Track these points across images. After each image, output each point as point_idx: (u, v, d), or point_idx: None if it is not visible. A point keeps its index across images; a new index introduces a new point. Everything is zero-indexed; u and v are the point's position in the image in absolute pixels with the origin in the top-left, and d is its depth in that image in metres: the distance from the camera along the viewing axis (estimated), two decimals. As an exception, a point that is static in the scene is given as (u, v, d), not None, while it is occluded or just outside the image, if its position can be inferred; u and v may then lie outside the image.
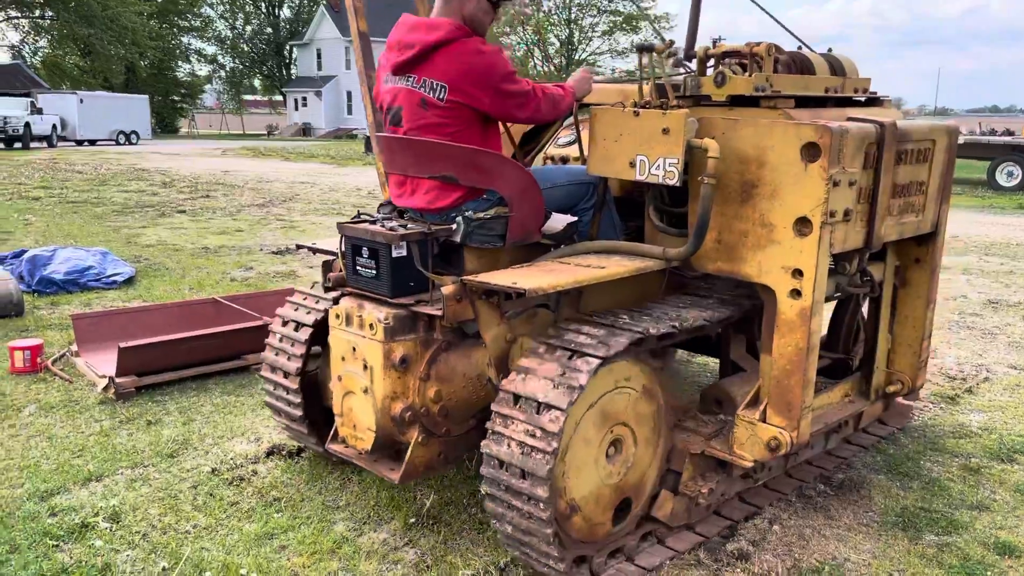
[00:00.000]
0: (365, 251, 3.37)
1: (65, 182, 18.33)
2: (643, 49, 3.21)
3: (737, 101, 3.39)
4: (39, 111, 33.39)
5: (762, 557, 3.35)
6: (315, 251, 3.89)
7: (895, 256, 3.88)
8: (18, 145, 31.14)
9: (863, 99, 3.81)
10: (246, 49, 63.52)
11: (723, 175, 3.27)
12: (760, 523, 3.61)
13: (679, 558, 3.32)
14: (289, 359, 3.88)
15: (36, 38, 47.53)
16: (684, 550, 3.35)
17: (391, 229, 3.27)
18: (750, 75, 3.30)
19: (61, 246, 8.65)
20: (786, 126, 3.10)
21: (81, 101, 36.56)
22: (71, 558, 3.28)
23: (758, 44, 3.31)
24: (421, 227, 3.29)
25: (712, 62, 3.52)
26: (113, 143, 36.76)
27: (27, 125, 31.83)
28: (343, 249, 3.49)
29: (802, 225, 3.09)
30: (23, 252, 8.30)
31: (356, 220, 3.51)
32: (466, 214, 3.35)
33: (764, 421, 3.31)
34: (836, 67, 3.72)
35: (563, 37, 35.92)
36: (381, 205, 3.72)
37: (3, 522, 3.52)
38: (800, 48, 3.74)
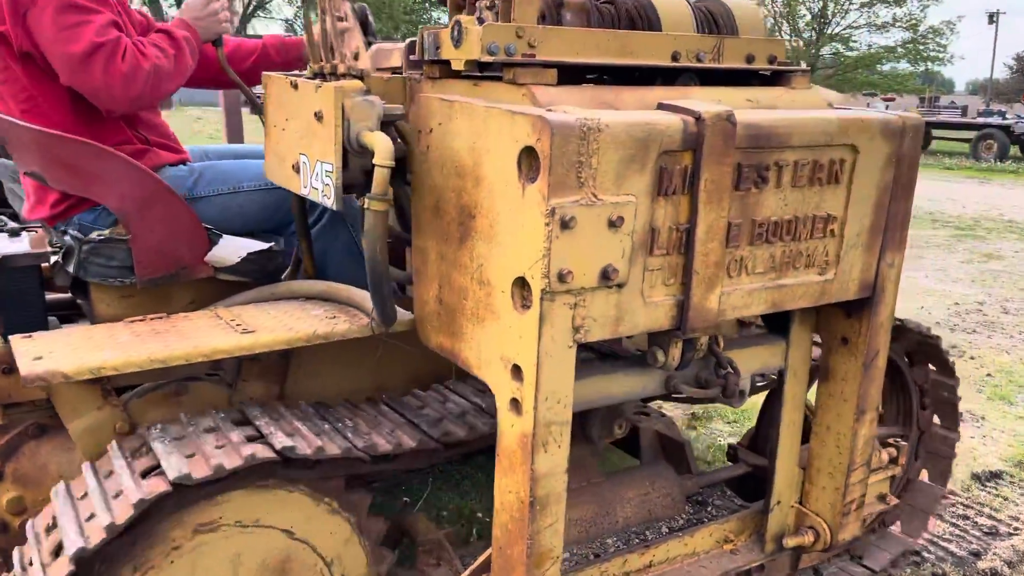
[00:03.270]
0: (-54, 280, 2.30)
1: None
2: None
3: (488, 70, 2.05)
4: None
5: (1017, 583, 3.00)
6: None
7: (807, 332, 2.38)
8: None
9: (768, 72, 2.33)
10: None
11: (440, 193, 1.97)
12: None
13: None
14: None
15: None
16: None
17: (-47, 252, 2.18)
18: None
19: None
20: (501, 117, 1.75)
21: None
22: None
23: (510, -25, 1.94)
24: (-4, 251, 2.17)
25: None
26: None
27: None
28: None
29: (523, 290, 1.75)
30: None
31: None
32: (71, 232, 2.21)
33: (488, 607, 1.99)
34: (719, 20, 2.27)
35: (815, 9, 32.48)
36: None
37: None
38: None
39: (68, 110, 2.29)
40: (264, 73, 2.17)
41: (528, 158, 1.69)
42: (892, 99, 28.43)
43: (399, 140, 2.04)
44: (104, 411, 2.13)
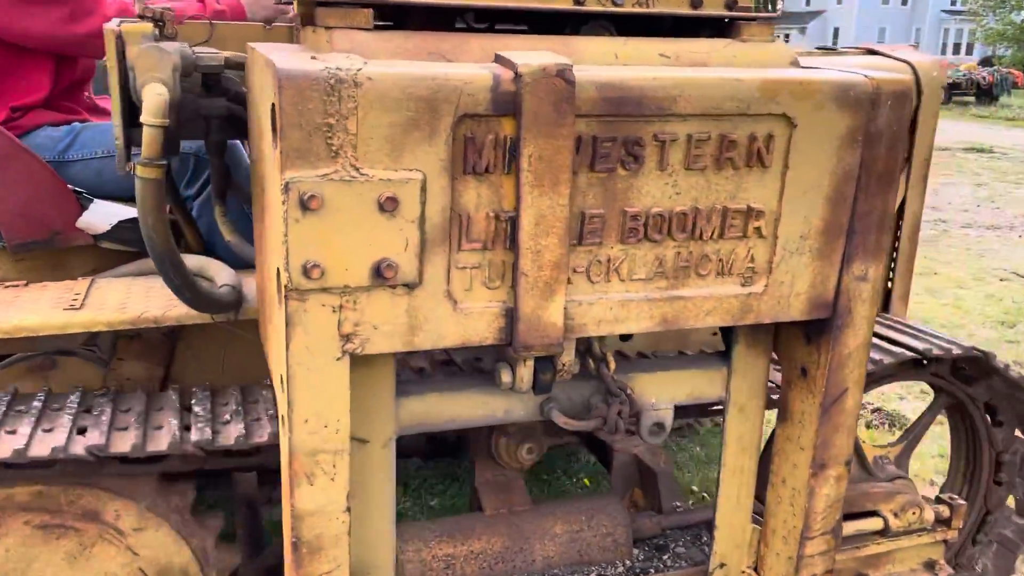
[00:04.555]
0: None
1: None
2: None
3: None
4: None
5: None
6: None
7: (760, 356, 1.87)
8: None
9: (727, 19, 1.81)
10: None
11: (256, 159, 1.67)
12: None
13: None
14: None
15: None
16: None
17: None
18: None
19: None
20: (263, 67, 1.42)
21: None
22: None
23: None
24: None
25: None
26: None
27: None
28: None
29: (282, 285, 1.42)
30: None
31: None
32: (-56, 192, 2.10)
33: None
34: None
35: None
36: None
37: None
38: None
39: None
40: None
41: (272, 118, 1.34)
42: None
43: (230, 96, 1.75)
44: (-49, 381, 2.01)
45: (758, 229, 1.60)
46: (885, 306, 2.88)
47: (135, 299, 1.94)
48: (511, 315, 1.48)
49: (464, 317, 1.46)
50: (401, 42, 1.53)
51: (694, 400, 1.86)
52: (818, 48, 3.04)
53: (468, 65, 1.39)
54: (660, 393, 1.81)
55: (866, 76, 1.57)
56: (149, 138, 1.52)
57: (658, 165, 1.50)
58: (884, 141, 1.61)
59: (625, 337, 2.59)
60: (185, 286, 1.67)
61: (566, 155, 1.41)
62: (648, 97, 1.44)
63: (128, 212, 2.13)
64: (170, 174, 2.09)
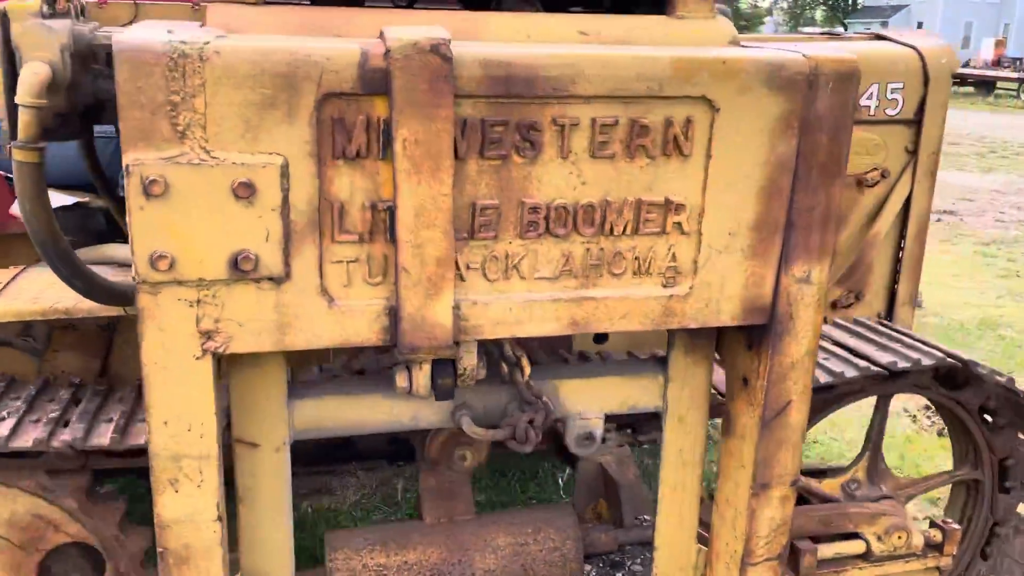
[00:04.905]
0: None
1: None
2: None
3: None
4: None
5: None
6: None
7: (701, 362, 1.71)
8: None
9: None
10: (812, -21, 60.68)
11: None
12: None
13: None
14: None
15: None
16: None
17: None
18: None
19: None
20: (125, 41, 1.32)
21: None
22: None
23: None
24: None
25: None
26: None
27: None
28: None
29: (146, 277, 1.33)
30: None
31: None
32: None
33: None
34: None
35: None
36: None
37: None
38: None
39: None
40: None
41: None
42: None
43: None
44: None
45: (679, 224, 1.44)
46: (888, 313, 2.67)
47: (54, 289, 1.87)
48: (395, 314, 1.36)
49: (342, 315, 1.35)
50: (288, 17, 1.42)
51: (629, 410, 1.72)
52: (822, 34, 2.84)
53: (334, 40, 1.28)
54: (589, 402, 1.67)
55: (802, 55, 1.41)
56: (24, 120, 1.44)
57: (559, 152, 1.36)
58: (825, 128, 1.44)
59: (599, 339, 2.46)
60: (75, 275, 1.59)
61: (446, 139, 1.28)
62: (541, 76, 1.30)
63: (61, 199, 2.07)
64: (96, 160, 2.02)
